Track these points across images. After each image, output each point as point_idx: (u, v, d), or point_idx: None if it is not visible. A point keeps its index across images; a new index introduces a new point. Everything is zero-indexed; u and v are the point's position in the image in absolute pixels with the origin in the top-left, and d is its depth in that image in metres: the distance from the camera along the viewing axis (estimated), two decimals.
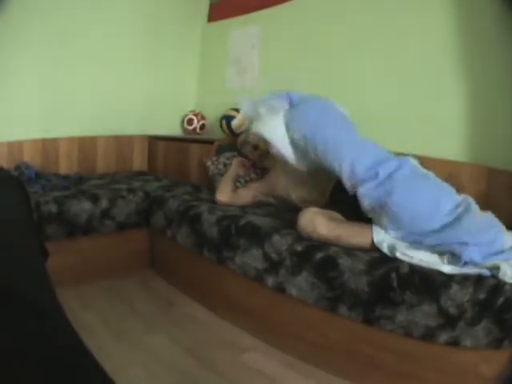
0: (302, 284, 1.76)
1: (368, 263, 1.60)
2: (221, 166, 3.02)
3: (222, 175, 2.84)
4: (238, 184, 2.73)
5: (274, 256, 1.88)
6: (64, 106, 3.28)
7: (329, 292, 1.67)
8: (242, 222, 2.09)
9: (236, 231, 2.07)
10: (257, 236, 1.97)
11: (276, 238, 1.89)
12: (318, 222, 1.78)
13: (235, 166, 2.68)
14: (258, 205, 2.51)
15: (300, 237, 1.85)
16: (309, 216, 1.82)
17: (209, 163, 3.12)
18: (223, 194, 2.52)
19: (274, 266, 1.88)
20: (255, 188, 2.55)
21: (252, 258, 1.97)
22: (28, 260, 0.83)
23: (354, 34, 2.89)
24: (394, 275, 1.50)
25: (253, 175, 2.81)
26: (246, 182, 2.78)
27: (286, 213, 2.34)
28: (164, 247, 2.72)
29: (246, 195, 2.53)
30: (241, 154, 2.82)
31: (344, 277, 1.63)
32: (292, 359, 1.84)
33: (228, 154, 3.11)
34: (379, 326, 1.54)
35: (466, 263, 1.43)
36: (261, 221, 2.09)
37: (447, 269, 1.43)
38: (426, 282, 1.44)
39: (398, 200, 1.60)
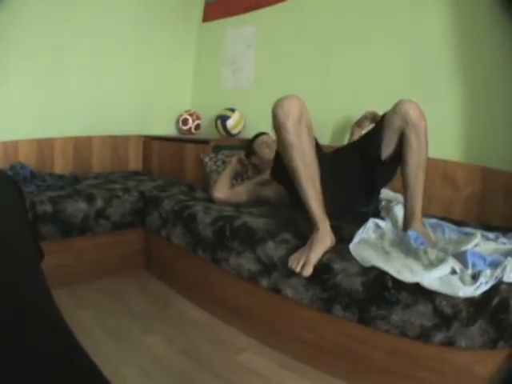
0: (296, 285, 1.76)
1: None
2: (219, 163, 3.02)
3: (219, 173, 2.84)
4: (235, 182, 2.73)
5: (266, 261, 1.87)
6: (59, 106, 3.27)
7: (323, 293, 1.67)
8: (237, 223, 2.09)
9: (231, 233, 2.07)
10: (251, 240, 1.97)
11: (270, 245, 1.88)
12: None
13: (234, 163, 2.68)
14: (254, 204, 2.51)
15: (295, 247, 1.83)
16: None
17: (206, 159, 3.12)
18: (220, 191, 2.52)
19: (267, 269, 1.88)
20: (255, 181, 2.55)
21: (246, 260, 1.97)
22: (23, 260, 0.83)
23: (350, 34, 2.89)
24: (388, 276, 1.50)
25: (250, 173, 2.81)
26: (243, 179, 2.78)
27: (282, 211, 2.34)
28: (159, 247, 2.72)
29: (243, 192, 2.52)
30: (247, 156, 2.81)
31: (337, 278, 1.63)
32: (288, 359, 1.83)
33: (227, 152, 3.11)
34: (374, 326, 1.55)
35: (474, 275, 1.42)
36: (256, 222, 2.08)
37: (462, 292, 1.35)
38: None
39: None
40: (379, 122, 1.87)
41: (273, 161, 2.07)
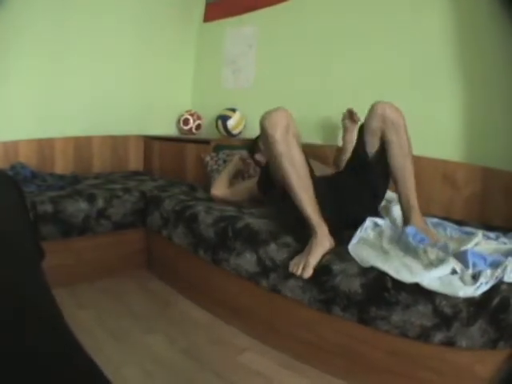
0: (293, 287, 1.77)
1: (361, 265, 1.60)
2: (220, 162, 3.02)
3: (220, 172, 2.84)
4: (235, 181, 2.73)
5: (267, 263, 1.88)
6: (59, 106, 3.27)
7: (321, 294, 1.68)
8: (240, 224, 2.09)
9: (233, 234, 2.07)
10: (253, 241, 1.97)
11: (273, 247, 1.88)
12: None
13: (235, 162, 2.68)
14: (253, 203, 2.51)
15: (296, 251, 1.83)
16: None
17: (207, 158, 3.12)
18: (218, 189, 2.55)
19: (265, 271, 1.88)
20: (256, 180, 2.55)
21: (245, 261, 1.97)
22: (24, 260, 0.83)
23: (350, 34, 2.89)
24: (387, 276, 1.50)
25: (251, 171, 2.81)
26: (244, 178, 2.78)
27: (283, 214, 2.34)
28: (160, 247, 2.72)
29: (242, 191, 2.54)
30: (251, 153, 2.81)
31: (336, 280, 1.63)
32: (288, 359, 1.83)
33: (227, 152, 3.11)
34: (374, 326, 1.55)
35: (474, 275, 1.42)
36: (258, 223, 2.08)
37: (462, 292, 1.36)
38: None
39: None
40: (360, 131, 1.94)
41: (259, 177, 2.12)
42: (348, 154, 2.27)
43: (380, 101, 1.82)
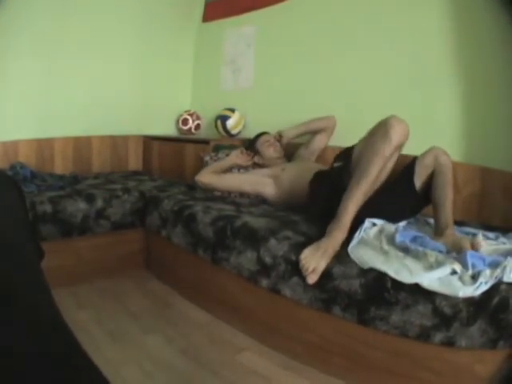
0: (295, 286, 1.76)
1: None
2: None
3: None
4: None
5: (268, 260, 1.87)
6: (59, 106, 3.27)
7: (322, 294, 1.67)
8: (238, 222, 2.09)
9: (232, 232, 2.07)
10: (253, 239, 1.96)
11: (272, 242, 1.88)
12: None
13: (234, 156, 2.70)
14: (252, 204, 2.51)
15: (297, 243, 1.83)
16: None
17: (207, 158, 3.12)
18: (203, 175, 2.62)
19: (266, 269, 1.87)
20: (253, 176, 2.58)
21: (246, 260, 1.97)
22: (23, 260, 0.83)
23: (349, 34, 2.89)
24: (387, 277, 1.50)
25: (249, 167, 2.81)
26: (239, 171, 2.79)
27: (281, 211, 2.34)
28: (159, 247, 2.72)
29: (234, 181, 2.59)
30: (254, 152, 2.82)
31: (336, 282, 1.63)
32: (287, 359, 1.83)
33: (227, 151, 3.11)
34: (374, 326, 1.55)
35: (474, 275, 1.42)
36: (257, 222, 2.08)
37: (461, 292, 1.36)
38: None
39: None
40: (413, 161, 2.04)
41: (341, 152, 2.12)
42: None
43: (435, 146, 1.98)
